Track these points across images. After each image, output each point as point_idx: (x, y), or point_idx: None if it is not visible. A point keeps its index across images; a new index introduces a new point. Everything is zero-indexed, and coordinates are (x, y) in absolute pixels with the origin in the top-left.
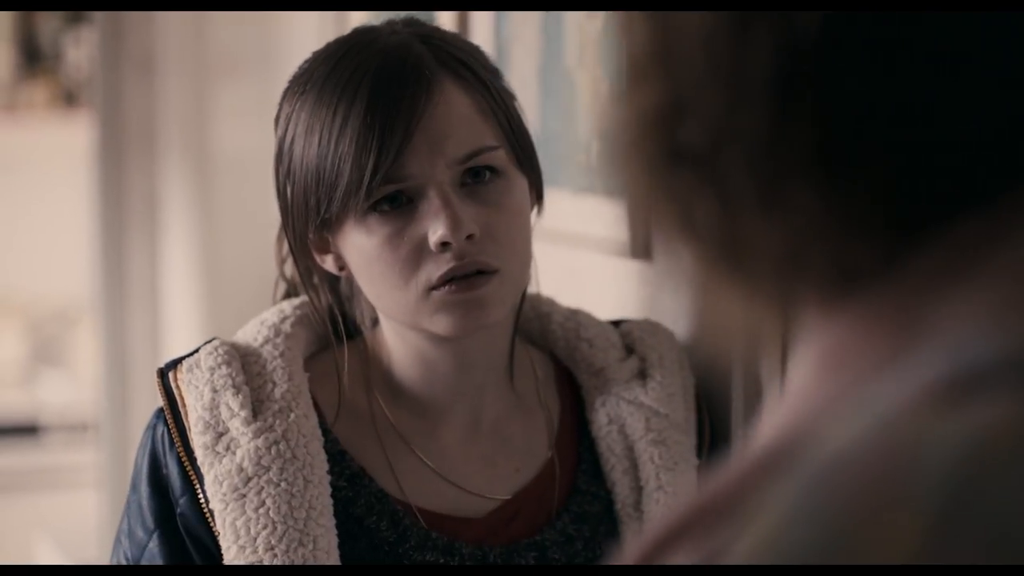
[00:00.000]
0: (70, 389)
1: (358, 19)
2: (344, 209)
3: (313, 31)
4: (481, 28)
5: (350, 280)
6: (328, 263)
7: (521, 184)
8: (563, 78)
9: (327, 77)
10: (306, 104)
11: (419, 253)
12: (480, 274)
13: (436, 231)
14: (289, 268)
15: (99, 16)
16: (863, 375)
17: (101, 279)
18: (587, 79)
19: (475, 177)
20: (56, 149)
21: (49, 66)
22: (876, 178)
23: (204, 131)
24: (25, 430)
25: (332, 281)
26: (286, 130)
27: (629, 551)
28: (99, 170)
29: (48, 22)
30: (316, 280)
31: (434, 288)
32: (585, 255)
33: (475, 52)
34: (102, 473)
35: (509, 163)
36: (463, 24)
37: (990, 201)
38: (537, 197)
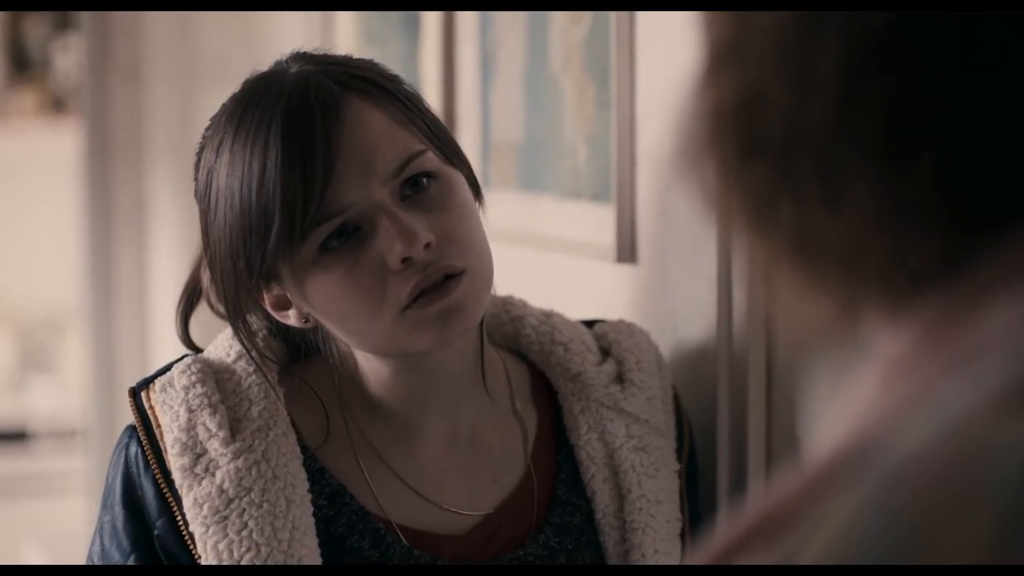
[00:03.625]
0: (58, 396)
1: (345, 22)
2: (286, 257)
3: (299, 36)
4: (466, 33)
5: (317, 328)
6: (292, 318)
7: (460, 180)
8: (548, 83)
9: (236, 133)
10: (220, 171)
11: (382, 277)
12: (448, 278)
13: (392, 249)
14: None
15: (87, 23)
16: (930, 381)
17: (89, 285)
18: (572, 84)
19: (414, 187)
20: (44, 156)
21: (37, 73)
22: (939, 175)
23: (191, 137)
24: (13, 436)
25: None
26: (206, 204)
27: (698, 557)
28: (87, 177)
29: (36, 29)
30: (255, 329)
31: (406, 307)
32: (571, 260)
33: (371, 66)
34: (90, 479)
35: (441, 163)
36: (449, 29)
37: None
38: (474, 191)
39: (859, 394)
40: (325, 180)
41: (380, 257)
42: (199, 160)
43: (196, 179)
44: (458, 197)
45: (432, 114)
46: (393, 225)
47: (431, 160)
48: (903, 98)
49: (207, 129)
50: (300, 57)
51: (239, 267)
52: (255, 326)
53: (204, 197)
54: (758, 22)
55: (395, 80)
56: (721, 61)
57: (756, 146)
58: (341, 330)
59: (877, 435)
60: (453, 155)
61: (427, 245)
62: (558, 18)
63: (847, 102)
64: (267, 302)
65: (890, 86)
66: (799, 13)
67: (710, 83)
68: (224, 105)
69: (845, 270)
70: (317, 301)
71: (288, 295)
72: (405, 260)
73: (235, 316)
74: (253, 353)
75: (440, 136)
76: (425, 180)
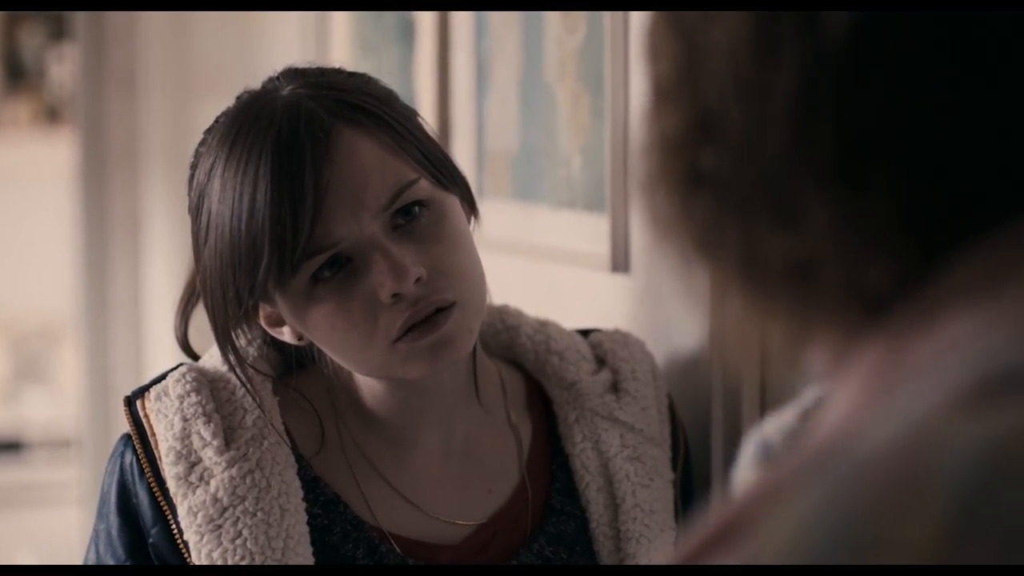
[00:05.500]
0: (53, 406)
1: (340, 31)
2: (278, 285)
3: (295, 45)
4: (461, 42)
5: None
6: (286, 335)
7: (452, 204)
8: (543, 93)
9: (227, 159)
10: (211, 196)
11: (373, 309)
12: (439, 311)
13: (383, 286)
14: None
15: (81, 32)
16: (891, 389)
17: (84, 295)
18: (567, 94)
19: (406, 216)
20: (39, 166)
21: (32, 83)
22: (895, 195)
23: (186, 146)
24: (8, 446)
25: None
26: (196, 227)
27: (668, 559)
28: (82, 186)
29: (31, 39)
30: (243, 352)
31: (397, 340)
32: (565, 270)
33: (364, 86)
34: (85, 489)
35: (434, 189)
36: (443, 38)
37: (1015, 215)
38: (470, 207)
39: (829, 402)
40: (315, 215)
41: (371, 291)
42: (192, 176)
43: (189, 195)
44: (450, 225)
45: (426, 135)
46: (384, 260)
47: (423, 188)
48: (859, 118)
49: (200, 145)
50: (292, 76)
51: (228, 296)
52: (251, 334)
53: (196, 218)
54: (712, 46)
55: (388, 101)
56: (672, 88)
57: (706, 172)
58: (334, 356)
59: (838, 440)
60: (447, 178)
61: (418, 280)
62: (553, 27)
63: (802, 123)
64: (262, 317)
65: (845, 106)
66: (754, 34)
67: (660, 111)
68: (216, 122)
69: (800, 292)
70: (310, 328)
71: (282, 314)
72: (395, 295)
73: (223, 341)
74: (240, 374)
75: (433, 159)
76: (417, 209)
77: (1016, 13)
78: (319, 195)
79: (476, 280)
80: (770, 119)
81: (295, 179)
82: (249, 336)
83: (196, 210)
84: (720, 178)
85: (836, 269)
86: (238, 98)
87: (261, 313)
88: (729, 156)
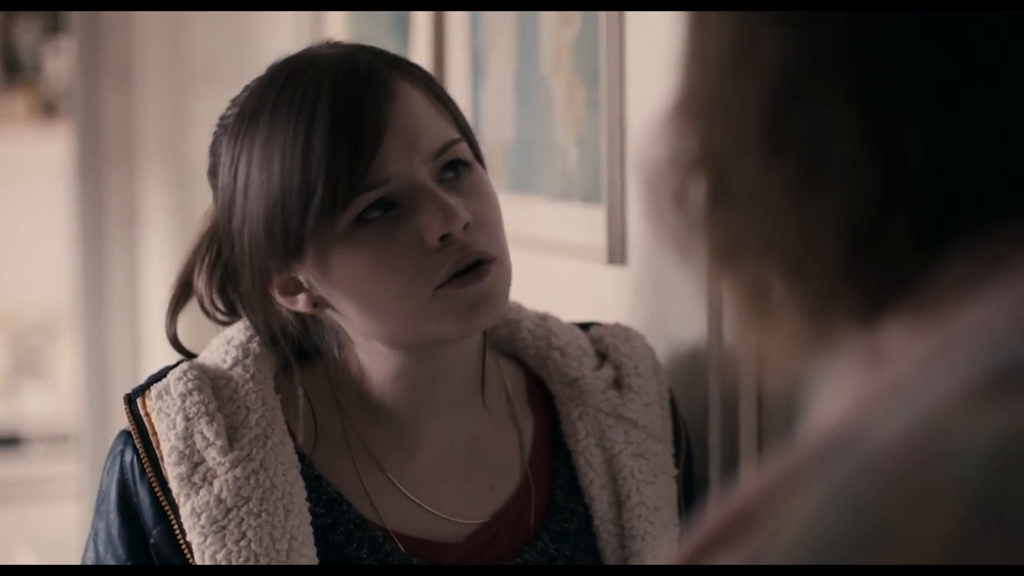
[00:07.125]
0: (51, 400)
1: (335, 23)
2: (324, 225)
3: (290, 38)
4: (456, 34)
5: (321, 318)
6: (300, 303)
7: (486, 174)
8: (539, 84)
9: (275, 106)
10: (255, 140)
11: (418, 254)
12: (480, 264)
13: (432, 226)
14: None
15: (77, 26)
16: (900, 380)
17: (81, 290)
18: (562, 85)
19: (451, 170)
20: (36, 160)
21: (29, 77)
22: (897, 195)
23: (182, 140)
24: (6, 441)
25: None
26: (234, 175)
27: (673, 555)
28: (79, 181)
29: (27, 33)
30: (248, 340)
31: (440, 286)
32: (562, 262)
33: (404, 58)
34: (83, 484)
35: (471, 156)
36: (439, 30)
37: (1016, 214)
38: None
39: (837, 392)
40: (372, 150)
41: (417, 235)
42: (220, 135)
43: (216, 153)
44: (488, 188)
45: (462, 113)
46: (433, 204)
47: (464, 150)
48: (853, 122)
49: (229, 107)
50: (335, 44)
51: (275, 232)
52: (253, 329)
53: (231, 168)
54: (708, 53)
55: (430, 75)
56: (683, 109)
57: (722, 194)
58: (362, 311)
59: (847, 431)
60: (478, 153)
61: (465, 226)
62: (548, 19)
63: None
64: (276, 287)
65: (844, 108)
66: (729, 54)
67: (674, 132)
68: (251, 85)
69: (808, 294)
70: (343, 279)
71: (303, 278)
72: (444, 238)
73: (261, 284)
74: (275, 328)
75: (468, 134)
76: (460, 166)
77: (1016, 13)
78: (379, 131)
79: (507, 249)
80: (745, 133)
81: (355, 113)
82: (251, 333)
83: (233, 160)
84: (735, 192)
85: (842, 269)
86: (273, 65)
87: (276, 282)
88: (742, 171)
